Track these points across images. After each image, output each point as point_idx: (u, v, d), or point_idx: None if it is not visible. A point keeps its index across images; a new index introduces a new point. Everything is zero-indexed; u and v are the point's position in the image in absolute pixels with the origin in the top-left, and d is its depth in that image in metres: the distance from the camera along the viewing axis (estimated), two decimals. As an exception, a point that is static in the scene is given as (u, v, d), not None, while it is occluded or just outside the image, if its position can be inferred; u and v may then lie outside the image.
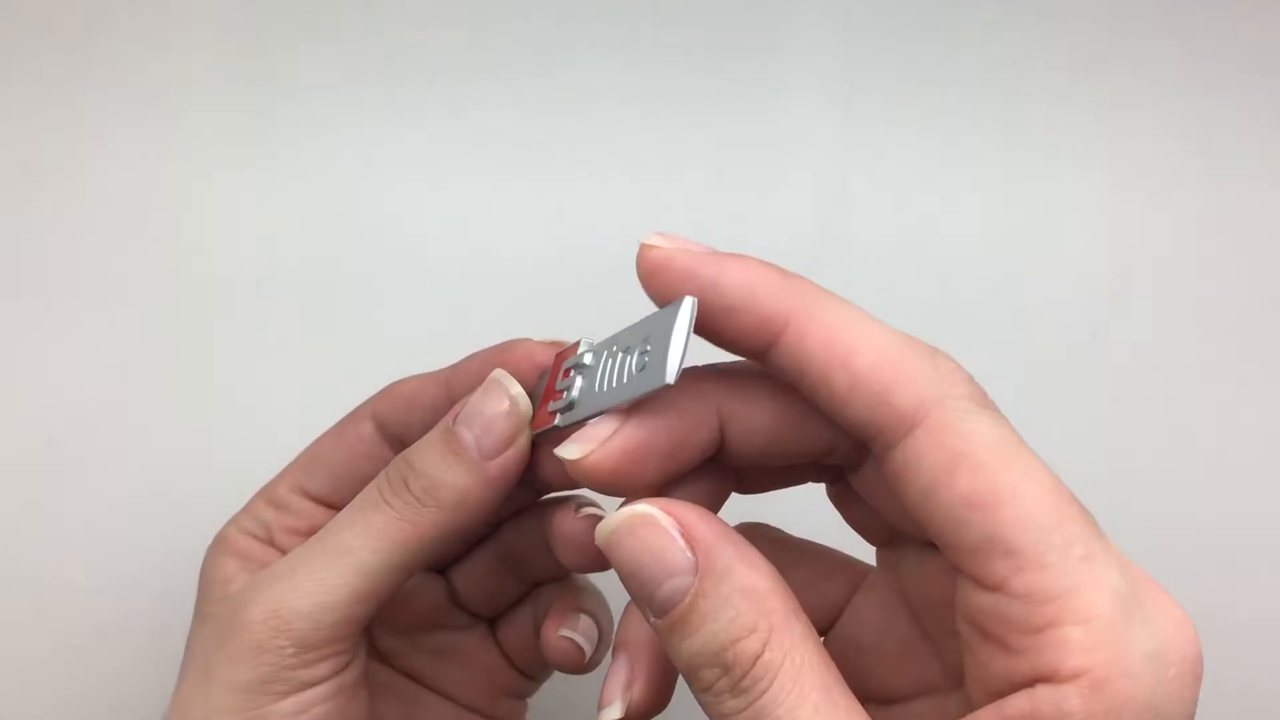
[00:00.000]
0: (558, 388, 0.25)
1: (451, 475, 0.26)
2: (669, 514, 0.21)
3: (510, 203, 0.40)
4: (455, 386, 0.28)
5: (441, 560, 0.31)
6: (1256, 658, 0.40)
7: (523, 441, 0.26)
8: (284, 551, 0.29)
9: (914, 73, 0.40)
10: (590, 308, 0.40)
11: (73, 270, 0.40)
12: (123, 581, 0.39)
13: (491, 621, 0.32)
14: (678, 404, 0.23)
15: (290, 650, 0.25)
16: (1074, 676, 0.19)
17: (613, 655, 0.25)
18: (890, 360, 0.21)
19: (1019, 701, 0.20)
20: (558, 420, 0.24)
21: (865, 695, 0.23)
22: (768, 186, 0.40)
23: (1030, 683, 0.20)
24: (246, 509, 0.30)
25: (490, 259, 0.40)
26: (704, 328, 0.22)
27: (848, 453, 0.24)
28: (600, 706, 0.24)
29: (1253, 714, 0.40)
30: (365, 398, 0.31)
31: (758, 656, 0.20)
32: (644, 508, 0.22)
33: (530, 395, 0.26)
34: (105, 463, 0.40)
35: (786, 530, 0.27)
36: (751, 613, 0.21)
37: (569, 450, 0.23)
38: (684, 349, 0.21)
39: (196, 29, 0.40)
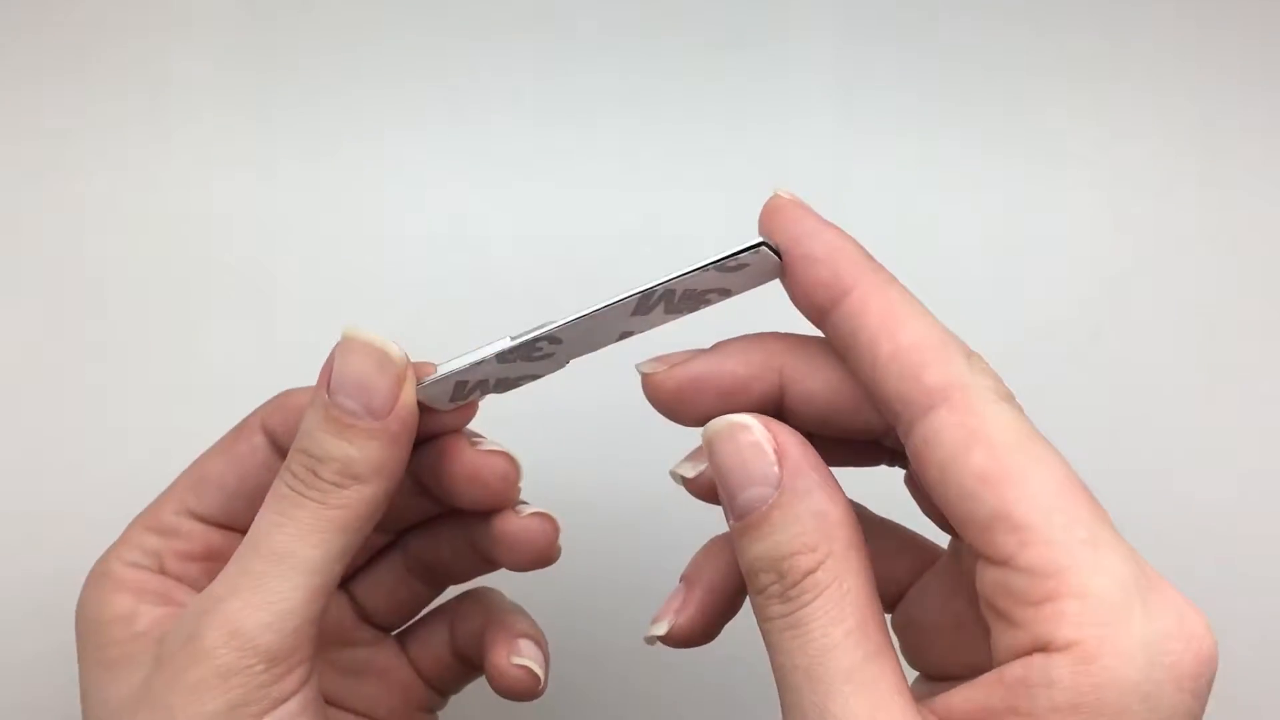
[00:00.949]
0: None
1: (356, 449, 0.25)
2: (767, 430, 0.23)
3: (511, 202, 0.40)
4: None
5: (350, 565, 0.29)
6: (1258, 657, 0.40)
7: (409, 385, 0.26)
8: (180, 579, 0.28)
9: (914, 73, 0.40)
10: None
11: (72, 270, 0.40)
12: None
13: (401, 636, 0.32)
14: (744, 351, 0.26)
15: (260, 667, 0.24)
16: (1066, 647, 0.20)
17: (677, 584, 0.27)
18: (930, 342, 0.23)
19: (1015, 669, 0.21)
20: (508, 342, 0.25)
21: (920, 669, 0.27)
22: (767, 187, 0.40)
23: (1029, 653, 0.21)
24: (125, 539, 0.28)
25: (491, 260, 0.40)
26: (789, 272, 0.25)
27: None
28: (652, 622, 0.27)
29: (1251, 713, 0.40)
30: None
31: (810, 573, 0.22)
32: (747, 419, 0.23)
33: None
34: (103, 461, 0.40)
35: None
36: (815, 534, 0.22)
37: (647, 365, 0.26)
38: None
39: (196, 29, 0.40)
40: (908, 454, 0.23)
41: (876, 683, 0.22)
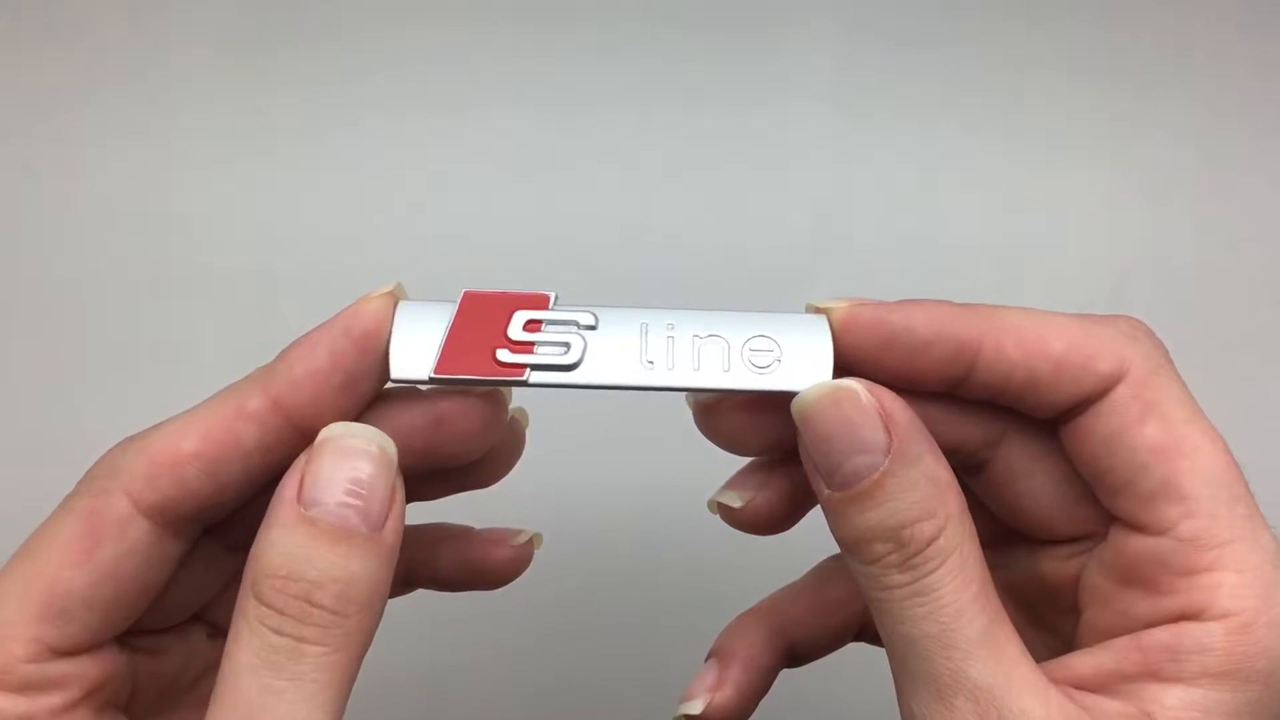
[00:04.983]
0: (519, 338, 0.23)
1: (358, 565, 0.20)
2: (872, 395, 0.22)
3: (511, 202, 0.40)
4: (289, 403, 0.22)
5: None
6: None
7: (401, 491, 0.22)
8: None
9: (914, 73, 0.40)
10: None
11: (71, 270, 0.40)
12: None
13: None
14: None
15: None
16: (1222, 616, 0.21)
17: (706, 661, 0.26)
18: (1080, 338, 0.23)
19: (1159, 635, 0.22)
20: (530, 377, 0.23)
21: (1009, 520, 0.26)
22: (767, 187, 0.40)
23: (1176, 620, 0.22)
24: None
25: (492, 258, 0.40)
26: (899, 370, 0.23)
27: (974, 451, 0.25)
28: (682, 700, 0.26)
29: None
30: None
31: (933, 539, 0.22)
32: (851, 383, 0.22)
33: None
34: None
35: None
36: (934, 500, 0.22)
37: (707, 399, 0.24)
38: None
39: (196, 29, 0.40)
40: (1062, 437, 0.24)
41: (1005, 647, 0.22)
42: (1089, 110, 0.40)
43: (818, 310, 0.24)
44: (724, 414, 0.24)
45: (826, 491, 0.22)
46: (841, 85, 0.40)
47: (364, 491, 0.21)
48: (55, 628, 0.21)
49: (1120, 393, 0.23)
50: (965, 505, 0.23)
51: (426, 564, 0.26)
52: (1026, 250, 0.40)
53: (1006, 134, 0.40)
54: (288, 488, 0.21)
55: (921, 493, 0.22)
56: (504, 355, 0.23)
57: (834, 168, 0.40)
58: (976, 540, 0.22)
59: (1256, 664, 0.21)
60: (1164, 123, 0.40)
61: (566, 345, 0.24)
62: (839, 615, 0.27)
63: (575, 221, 0.40)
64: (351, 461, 0.21)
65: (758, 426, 0.24)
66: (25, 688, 0.21)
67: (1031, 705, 0.21)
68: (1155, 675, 0.22)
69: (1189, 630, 0.22)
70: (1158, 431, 0.22)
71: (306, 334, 0.22)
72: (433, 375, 0.23)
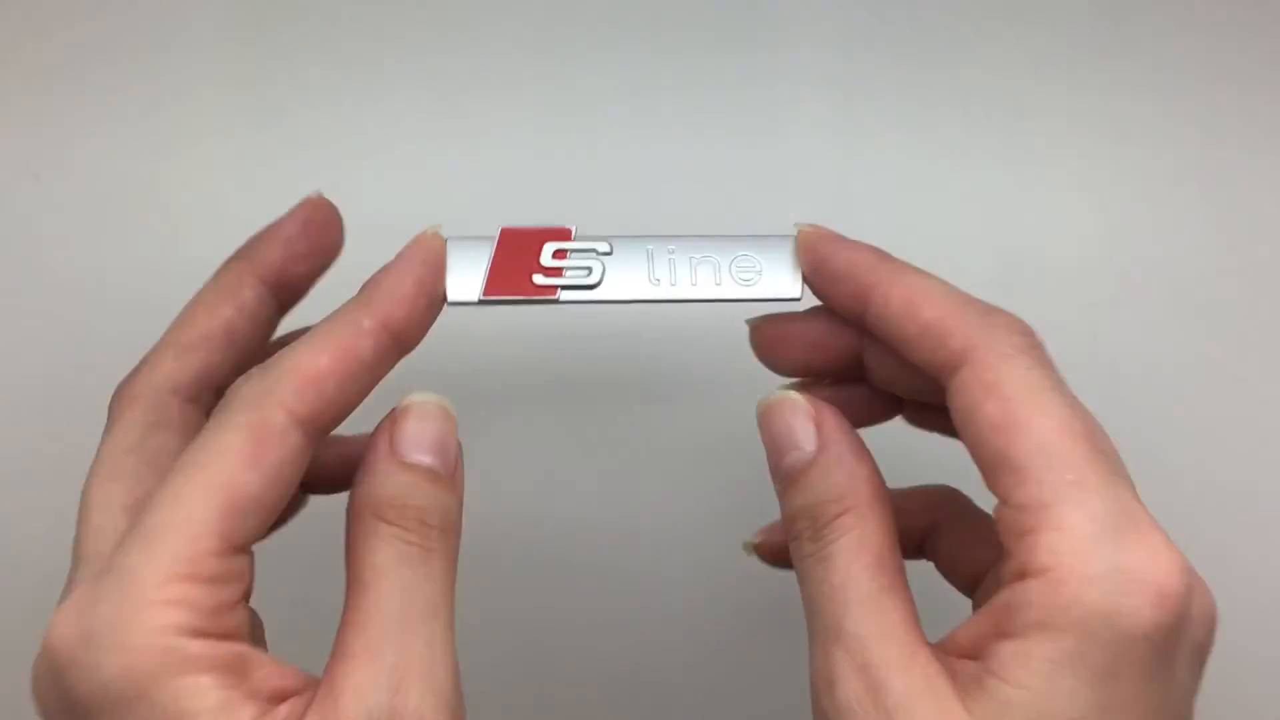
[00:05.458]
0: (549, 264, 0.29)
1: (446, 497, 0.26)
2: (808, 404, 0.28)
3: (512, 202, 0.40)
4: (393, 321, 0.27)
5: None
6: (1253, 656, 0.40)
7: (460, 446, 0.27)
8: (236, 637, 0.24)
9: (913, 73, 0.40)
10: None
11: (71, 270, 0.40)
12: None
13: None
14: (829, 315, 0.29)
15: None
16: (1040, 572, 0.23)
17: None
18: (948, 312, 0.26)
19: (1002, 596, 0.24)
20: (561, 295, 0.29)
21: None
22: (766, 187, 0.40)
23: (1013, 582, 0.24)
24: (164, 599, 0.23)
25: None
26: (825, 293, 0.29)
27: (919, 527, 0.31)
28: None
29: (1250, 711, 0.40)
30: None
31: (837, 517, 0.26)
32: (794, 395, 0.28)
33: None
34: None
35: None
36: (845, 488, 0.27)
37: (756, 319, 0.30)
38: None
39: (196, 29, 0.40)
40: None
41: (888, 611, 0.25)
42: (1088, 111, 0.40)
43: (801, 228, 0.30)
44: (771, 328, 0.30)
45: (776, 482, 0.28)
46: (841, 85, 0.40)
47: (440, 445, 0.26)
48: (235, 526, 0.24)
49: (965, 374, 0.26)
50: (879, 496, 0.27)
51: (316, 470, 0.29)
52: (1026, 250, 0.40)
53: (1006, 133, 0.40)
54: (382, 441, 0.26)
55: (835, 481, 0.27)
56: (538, 279, 0.29)
57: (833, 168, 0.40)
58: (884, 525, 0.26)
59: (1069, 614, 0.23)
60: (1164, 124, 0.40)
61: (589, 269, 0.29)
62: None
63: (573, 222, 0.40)
64: (431, 423, 0.26)
65: (802, 339, 0.30)
66: (213, 580, 0.23)
67: (896, 656, 0.24)
68: (1002, 634, 0.24)
69: (1018, 588, 0.24)
70: (996, 409, 0.25)
71: (389, 268, 0.28)
72: (482, 297, 0.29)
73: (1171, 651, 0.24)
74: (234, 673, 0.23)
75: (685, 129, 0.40)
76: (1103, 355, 0.40)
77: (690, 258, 0.30)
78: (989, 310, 0.27)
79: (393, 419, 0.26)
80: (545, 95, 0.40)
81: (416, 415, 0.27)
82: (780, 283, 0.29)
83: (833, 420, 0.28)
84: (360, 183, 0.40)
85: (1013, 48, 0.40)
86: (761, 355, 0.31)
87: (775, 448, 0.28)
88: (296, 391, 0.25)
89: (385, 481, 0.26)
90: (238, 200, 0.40)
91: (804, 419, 0.28)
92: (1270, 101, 0.40)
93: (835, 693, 0.25)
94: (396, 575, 0.25)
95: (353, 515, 0.26)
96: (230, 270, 0.29)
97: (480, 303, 0.29)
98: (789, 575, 0.29)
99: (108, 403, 0.28)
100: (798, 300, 0.30)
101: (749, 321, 0.30)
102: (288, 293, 0.30)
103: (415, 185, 0.40)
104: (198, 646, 0.23)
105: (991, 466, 0.25)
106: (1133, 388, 0.40)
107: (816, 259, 0.29)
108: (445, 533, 0.26)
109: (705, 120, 0.40)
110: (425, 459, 0.26)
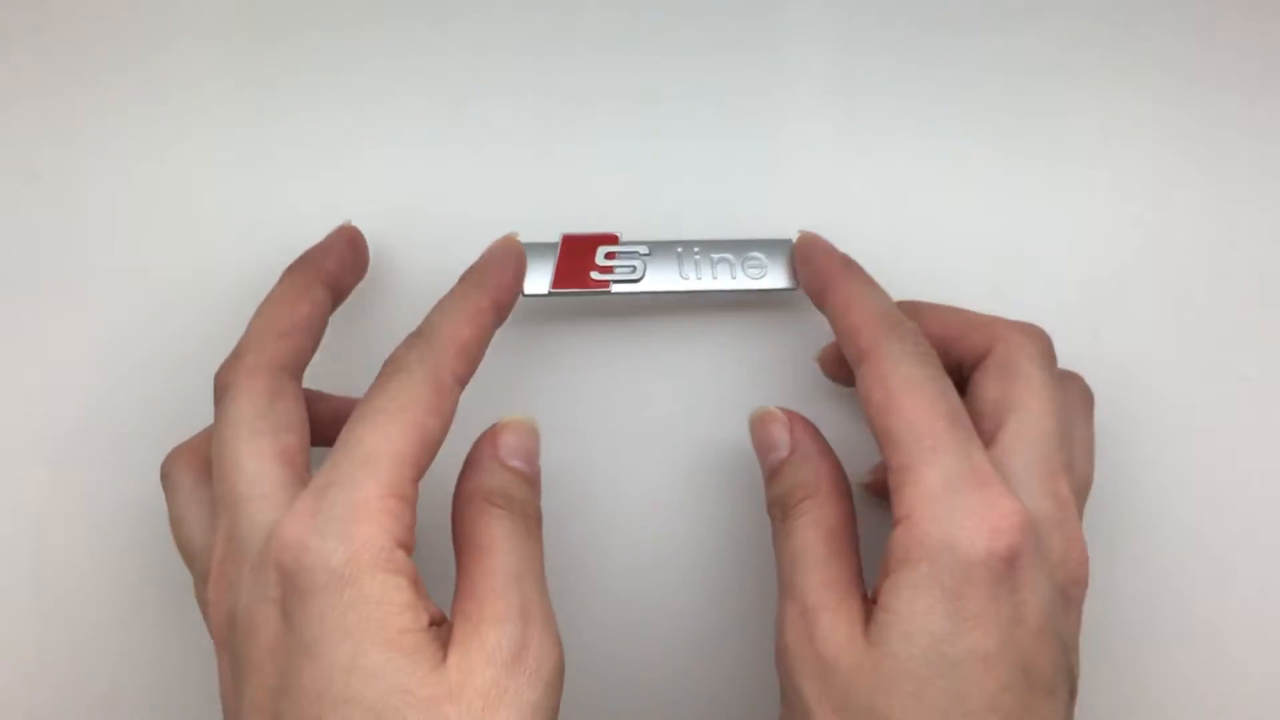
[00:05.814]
0: (602, 264, 0.37)
1: (532, 493, 0.33)
2: (784, 416, 0.35)
3: (512, 202, 0.40)
4: (502, 301, 0.34)
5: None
6: (1252, 657, 0.40)
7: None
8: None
9: (913, 73, 0.40)
10: (592, 304, 0.40)
11: (71, 270, 0.40)
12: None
13: None
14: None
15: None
16: (903, 519, 0.30)
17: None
18: (865, 318, 0.33)
19: (887, 544, 0.30)
20: (613, 288, 0.37)
21: None
22: (766, 187, 0.40)
23: (892, 530, 0.30)
24: (382, 508, 0.28)
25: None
26: (803, 289, 0.37)
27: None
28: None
29: (1248, 711, 0.40)
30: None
31: (802, 502, 0.33)
32: (774, 409, 0.35)
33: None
34: (103, 463, 0.40)
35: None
36: (811, 481, 0.33)
37: (821, 351, 0.39)
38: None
39: (196, 29, 0.40)
40: None
41: (831, 569, 0.31)
42: (1088, 111, 0.40)
43: (802, 232, 0.37)
44: (827, 353, 0.39)
45: (764, 476, 0.35)
46: (841, 85, 0.40)
47: (530, 455, 0.33)
48: (423, 460, 0.30)
49: (865, 367, 0.32)
50: (840, 489, 0.33)
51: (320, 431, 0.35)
52: (1026, 249, 0.40)
53: (1006, 133, 0.40)
54: (487, 446, 0.32)
55: (803, 476, 0.33)
56: (595, 275, 0.37)
57: (832, 168, 0.40)
58: (841, 509, 0.33)
59: (922, 548, 0.29)
60: (1163, 123, 0.40)
61: (634, 267, 0.37)
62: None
63: (572, 222, 0.40)
64: (525, 438, 0.33)
65: (835, 357, 0.38)
66: (409, 501, 0.29)
67: (830, 601, 0.30)
68: (884, 574, 0.30)
69: (891, 535, 0.30)
70: (881, 394, 0.31)
71: (494, 260, 0.35)
72: (551, 290, 0.37)
73: (1014, 577, 0.29)
74: (417, 583, 0.29)
75: (685, 129, 0.40)
76: (1103, 355, 0.40)
77: (711, 257, 0.37)
78: (898, 322, 0.33)
79: (495, 431, 0.33)
80: (545, 96, 0.40)
81: (513, 430, 0.33)
82: (779, 279, 0.37)
83: (802, 427, 0.35)
84: (361, 182, 0.40)
85: (1013, 48, 0.40)
86: (824, 370, 0.39)
87: (761, 449, 0.35)
88: (455, 356, 0.32)
89: (493, 478, 0.32)
90: (238, 200, 0.40)
91: (780, 427, 0.35)
92: (1270, 101, 0.40)
93: (784, 634, 0.31)
94: (511, 542, 0.30)
95: (465, 500, 0.31)
96: (300, 275, 0.35)
97: (549, 294, 0.37)
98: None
99: (214, 381, 0.33)
100: (794, 291, 0.37)
101: (817, 357, 0.39)
102: (337, 297, 0.36)
103: (416, 185, 0.40)
104: (400, 553, 0.28)
105: (879, 439, 0.31)
106: (1133, 388, 0.40)
107: (799, 261, 0.37)
108: (537, 520, 0.32)
109: (705, 120, 0.40)
110: (520, 465, 0.32)
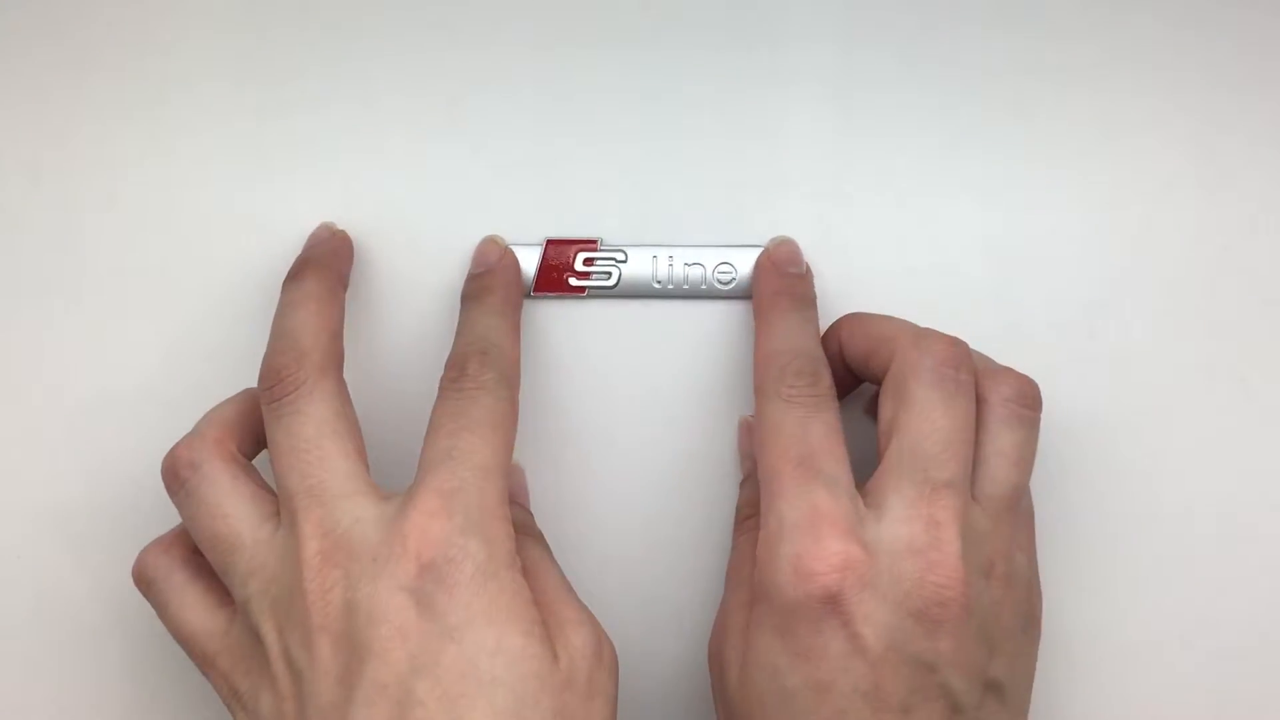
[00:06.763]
0: (580, 269, 0.39)
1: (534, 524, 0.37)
2: (748, 422, 0.38)
3: (513, 202, 0.40)
4: (518, 304, 0.38)
5: None
6: (1250, 658, 0.40)
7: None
8: None
9: (913, 74, 0.40)
10: (591, 303, 0.40)
11: (71, 270, 0.40)
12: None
13: None
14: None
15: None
16: (756, 561, 0.33)
17: None
18: (761, 354, 0.36)
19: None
20: (588, 293, 0.39)
21: None
22: (765, 187, 0.40)
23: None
24: (505, 518, 0.32)
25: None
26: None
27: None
28: None
29: (1249, 711, 0.40)
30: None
31: (745, 519, 0.37)
32: (748, 417, 0.38)
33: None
34: (108, 458, 0.40)
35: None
36: (755, 502, 0.34)
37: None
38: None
39: (196, 29, 0.40)
40: None
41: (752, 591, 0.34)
42: (1088, 110, 0.40)
43: (774, 240, 0.39)
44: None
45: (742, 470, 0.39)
46: (841, 86, 0.40)
47: (527, 492, 0.40)
48: (510, 470, 0.33)
49: (756, 404, 0.34)
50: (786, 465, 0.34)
51: None
52: (1025, 250, 0.40)
53: (1005, 134, 0.40)
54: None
55: (750, 495, 0.37)
56: (572, 280, 0.39)
57: (832, 169, 0.40)
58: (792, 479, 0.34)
59: (761, 587, 0.32)
60: (1162, 124, 0.40)
61: (609, 273, 0.39)
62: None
63: (572, 222, 0.40)
64: (519, 478, 0.39)
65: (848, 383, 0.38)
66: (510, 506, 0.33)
67: (738, 622, 0.34)
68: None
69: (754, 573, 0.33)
70: (755, 437, 0.34)
71: (504, 266, 0.38)
72: (531, 293, 0.39)
73: (840, 613, 0.30)
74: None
75: (684, 129, 0.40)
76: (1103, 355, 0.40)
77: (685, 263, 0.39)
78: (785, 364, 0.34)
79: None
80: (543, 96, 0.40)
81: (514, 473, 0.38)
82: (745, 288, 0.39)
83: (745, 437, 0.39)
84: (361, 182, 0.40)
85: (1012, 48, 0.40)
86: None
87: (740, 456, 0.39)
88: (513, 367, 0.35)
89: (514, 514, 0.33)
90: (238, 199, 0.40)
91: (747, 432, 0.39)
92: (1269, 102, 0.40)
93: (713, 636, 0.35)
94: (546, 563, 0.34)
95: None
96: (325, 278, 0.36)
97: (530, 296, 0.38)
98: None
99: (275, 373, 0.33)
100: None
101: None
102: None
103: (415, 185, 0.40)
104: (518, 556, 0.32)
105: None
106: (1133, 388, 0.40)
107: (752, 277, 0.39)
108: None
109: (704, 120, 0.40)
110: (523, 503, 0.39)
